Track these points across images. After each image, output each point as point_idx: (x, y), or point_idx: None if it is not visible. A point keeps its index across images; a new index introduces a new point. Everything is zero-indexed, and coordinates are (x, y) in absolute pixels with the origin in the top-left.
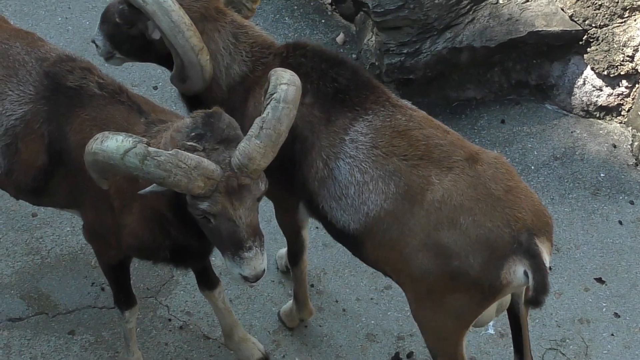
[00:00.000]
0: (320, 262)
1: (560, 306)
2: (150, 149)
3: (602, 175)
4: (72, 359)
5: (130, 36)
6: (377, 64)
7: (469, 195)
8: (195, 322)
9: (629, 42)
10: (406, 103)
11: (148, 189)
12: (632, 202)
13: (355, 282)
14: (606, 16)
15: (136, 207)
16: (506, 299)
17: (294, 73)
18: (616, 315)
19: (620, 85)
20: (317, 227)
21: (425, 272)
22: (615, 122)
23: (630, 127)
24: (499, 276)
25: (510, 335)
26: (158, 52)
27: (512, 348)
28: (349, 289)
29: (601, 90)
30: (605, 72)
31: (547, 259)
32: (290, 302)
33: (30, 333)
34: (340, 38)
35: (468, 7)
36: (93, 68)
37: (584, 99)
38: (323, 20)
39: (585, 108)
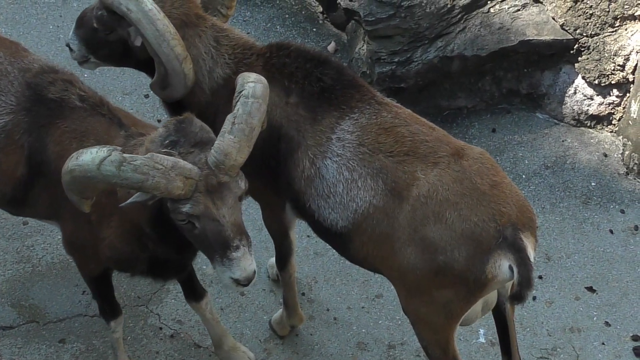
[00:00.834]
0: (311, 271)
1: (551, 315)
2: (125, 155)
3: (593, 184)
4: None
5: (108, 42)
6: (368, 72)
7: (454, 189)
8: (186, 330)
9: (619, 51)
10: (391, 101)
11: (130, 200)
12: (622, 211)
13: (347, 290)
14: (597, 25)
15: (115, 220)
16: (492, 298)
17: (259, 75)
18: (607, 324)
19: (611, 94)
20: (308, 236)
21: (413, 266)
22: (606, 131)
23: (621, 136)
24: (484, 270)
25: None
26: (138, 58)
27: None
28: (340, 298)
29: (592, 99)
30: (596, 81)
31: (531, 254)
32: (281, 310)
33: (20, 341)
34: (331, 47)
35: (459, 16)
36: (75, 80)
37: (575, 107)
38: (314, 29)
39: (576, 117)
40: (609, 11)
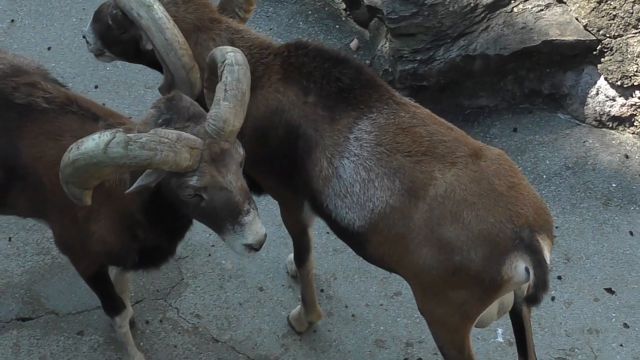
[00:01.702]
0: (330, 267)
1: (569, 316)
2: (129, 134)
3: (613, 185)
4: (81, 359)
5: (122, 40)
6: (390, 70)
7: (472, 190)
8: (204, 324)
9: None
10: (409, 100)
11: (136, 184)
12: None
13: (365, 287)
14: (620, 26)
15: (103, 213)
16: (508, 301)
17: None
18: (625, 325)
19: (634, 95)
20: (327, 233)
21: (429, 266)
22: (628, 132)
23: None
24: (500, 271)
25: None
26: (149, 59)
27: None
28: (359, 295)
29: (614, 100)
30: (619, 83)
31: (547, 256)
32: (299, 306)
33: (39, 333)
34: (354, 44)
35: (482, 15)
36: (37, 82)
37: (596, 108)
38: (337, 26)
39: (598, 118)
40: (632, 12)
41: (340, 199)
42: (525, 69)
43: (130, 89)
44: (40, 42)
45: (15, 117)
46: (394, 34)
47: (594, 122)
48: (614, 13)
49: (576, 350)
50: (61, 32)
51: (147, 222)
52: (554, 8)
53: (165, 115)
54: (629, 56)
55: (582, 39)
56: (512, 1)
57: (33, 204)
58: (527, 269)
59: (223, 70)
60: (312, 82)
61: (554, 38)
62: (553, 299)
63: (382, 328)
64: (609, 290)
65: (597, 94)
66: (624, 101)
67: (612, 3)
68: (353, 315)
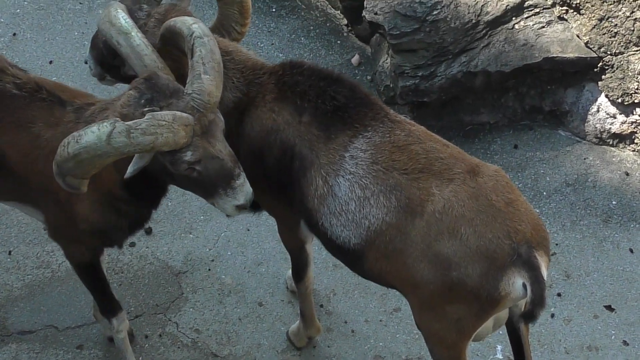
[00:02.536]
0: (330, 283)
1: (569, 333)
2: (127, 122)
3: (614, 202)
4: None
5: (115, 65)
6: (391, 86)
7: (470, 206)
8: (204, 339)
9: None
10: (404, 118)
11: (133, 168)
12: None
13: (365, 303)
14: (622, 44)
15: (85, 193)
16: (503, 314)
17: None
18: (625, 343)
19: (634, 113)
20: None
21: (426, 281)
22: (629, 150)
23: None
24: (497, 287)
25: None
26: None
27: None
28: (358, 311)
29: (615, 117)
30: (620, 100)
31: (545, 272)
32: (299, 321)
33: (38, 346)
34: (355, 59)
35: (484, 31)
36: (6, 67)
37: (597, 126)
38: (339, 41)
39: (599, 135)
40: (633, 30)
41: (335, 217)
42: (526, 85)
43: None
44: (42, 56)
45: None
46: (396, 49)
47: (594, 139)
48: (615, 30)
49: None
50: (63, 46)
51: (129, 196)
52: (556, 25)
53: (146, 95)
54: (630, 74)
55: (583, 56)
56: (514, 18)
57: (12, 189)
58: (524, 285)
59: (194, 43)
60: (306, 101)
61: (555, 55)
62: (552, 316)
63: (381, 344)
64: (609, 308)
65: (598, 111)
66: (625, 118)
67: (613, 20)
68: (352, 331)
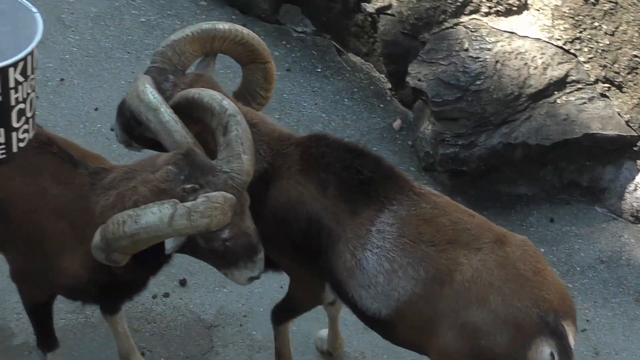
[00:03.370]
0: (360, 346)
1: None
2: (187, 204)
3: None
4: None
5: (142, 134)
6: (431, 152)
7: (498, 274)
8: None
9: None
10: (429, 190)
11: (171, 247)
12: None
13: None
14: None
15: (82, 250)
16: None
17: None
18: None
19: None
20: None
21: (455, 350)
22: None
23: None
24: (525, 356)
25: None
26: None
27: None
28: None
29: None
30: None
31: (572, 342)
32: None
33: None
34: (397, 124)
35: (525, 104)
36: None
37: (634, 204)
38: (382, 105)
39: (635, 214)
40: None
41: (364, 289)
42: (566, 160)
43: None
44: (88, 102)
45: None
46: (437, 117)
47: (630, 218)
48: None
49: None
50: (109, 93)
51: (131, 261)
52: (597, 102)
53: (185, 171)
54: None
55: (623, 134)
56: (556, 92)
57: None
58: (552, 354)
59: (228, 121)
60: (331, 173)
61: (596, 131)
62: None
63: None
64: None
65: (635, 189)
66: None
67: None
68: None
